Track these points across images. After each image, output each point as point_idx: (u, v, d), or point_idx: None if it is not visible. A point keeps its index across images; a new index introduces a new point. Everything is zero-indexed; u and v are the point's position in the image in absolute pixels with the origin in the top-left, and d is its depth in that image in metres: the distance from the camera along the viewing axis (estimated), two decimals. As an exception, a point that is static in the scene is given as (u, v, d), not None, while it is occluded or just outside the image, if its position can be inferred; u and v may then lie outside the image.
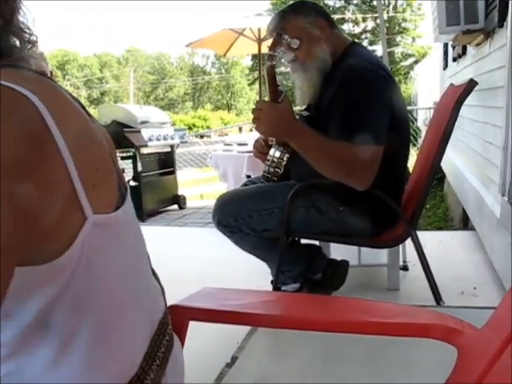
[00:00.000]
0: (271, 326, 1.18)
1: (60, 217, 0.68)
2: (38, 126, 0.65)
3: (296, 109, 2.41)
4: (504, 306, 0.93)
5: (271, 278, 2.58)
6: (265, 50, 2.46)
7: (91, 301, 0.74)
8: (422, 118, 14.64)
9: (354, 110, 2.06)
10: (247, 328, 1.94)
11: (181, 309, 1.06)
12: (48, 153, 0.66)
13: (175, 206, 7.19)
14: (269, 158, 2.41)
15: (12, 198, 0.60)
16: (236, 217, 2.29)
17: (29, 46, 0.80)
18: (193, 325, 1.09)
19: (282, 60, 2.11)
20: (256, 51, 6.72)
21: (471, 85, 2.09)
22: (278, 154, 2.38)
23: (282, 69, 2.14)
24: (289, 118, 2.07)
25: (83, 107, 0.81)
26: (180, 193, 7.32)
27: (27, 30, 0.80)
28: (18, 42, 0.78)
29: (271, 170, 2.41)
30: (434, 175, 2.23)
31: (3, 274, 0.60)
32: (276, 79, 2.07)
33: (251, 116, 2.11)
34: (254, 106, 2.11)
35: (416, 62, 30.47)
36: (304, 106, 2.33)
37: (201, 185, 10.47)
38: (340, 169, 2.07)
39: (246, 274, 3.22)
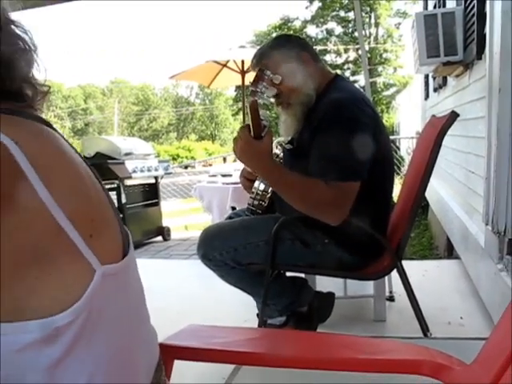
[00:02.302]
0: (257, 365, 1.16)
1: (64, 271, 0.67)
2: (8, 169, 0.64)
3: (280, 139, 2.41)
4: (492, 340, 0.92)
5: (256, 310, 2.56)
6: (248, 81, 2.47)
7: (99, 353, 0.73)
8: (405, 147, 14.84)
9: (332, 145, 2.06)
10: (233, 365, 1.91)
11: (166, 348, 1.04)
12: (28, 207, 0.65)
13: (160, 238, 7.16)
14: (253, 190, 2.41)
15: None
16: (221, 250, 2.27)
17: (40, 97, 0.80)
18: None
19: (265, 95, 2.12)
20: (240, 82, 6.78)
21: (453, 117, 2.11)
22: (262, 186, 2.38)
23: (266, 102, 2.14)
24: (263, 156, 2.07)
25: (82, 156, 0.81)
26: (164, 224, 7.31)
27: (40, 82, 0.80)
28: (29, 92, 0.79)
29: (256, 202, 2.41)
30: (418, 206, 2.23)
31: None
32: (259, 114, 2.06)
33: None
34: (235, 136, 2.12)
35: (397, 92, 30.95)
36: (288, 139, 2.33)
37: (185, 215, 10.45)
38: (310, 207, 2.08)
39: (232, 307, 3.19)
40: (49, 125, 0.78)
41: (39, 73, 0.82)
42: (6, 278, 0.63)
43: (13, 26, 0.77)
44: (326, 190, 2.00)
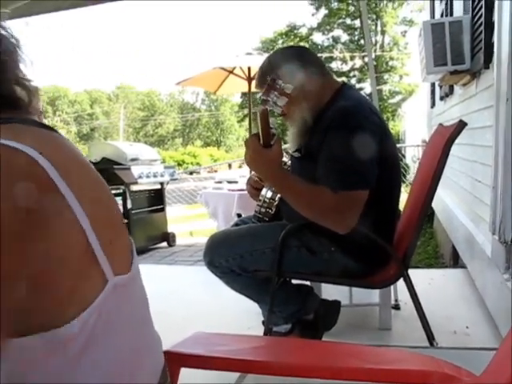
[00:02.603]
0: (263, 373, 1.16)
1: (78, 278, 0.67)
2: (46, 187, 0.65)
3: (288, 146, 2.41)
4: (502, 352, 0.91)
5: (261, 317, 2.55)
6: (254, 88, 2.46)
7: (106, 360, 0.73)
8: (411, 155, 14.80)
9: (339, 154, 2.06)
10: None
11: (173, 355, 1.04)
12: (59, 212, 0.65)
13: (165, 244, 7.15)
14: (260, 198, 2.41)
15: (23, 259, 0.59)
16: (227, 257, 2.27)
17: (31, 96, 0.81)
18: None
19: (277, 104, 2.12)
20: (246, 89, 6.79)
21: (461, 126, 2.10)
22: (269, 194, 2.38)
23: (277, 111, 2.14)
24: (271, 164, 2.08)
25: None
26: (169, 230, 7.31)
27: (29, 80, 0.80)
28: (23, 94, 0.79)
29: (263, 210, 2.41)
30: (425, 214, 2.22)
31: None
32: (269, 123, 2.07)
33: (241, 153, 2.14)
34: (243, 143, 2.14)
35: (403, 100, 30.92)
36: (296, 147, 2.33)
37: (190, 221, 10.45)
38: (318, 215, 2.09)
39: (236, 314, 3.18)
40: (55, 131, 0.79)
41: (25, 67, 0.82)
42: (38, 290, 0.64)
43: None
44: (334, 198, 2.01)
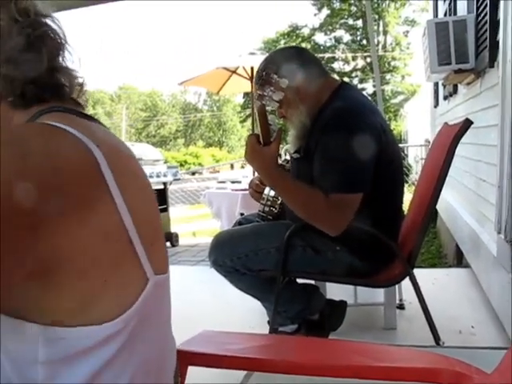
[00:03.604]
0: (271, 371, 1.15)
1: (122, 276, 0.68)
2: (94, 181, 0.65)
3: (288, 147, 2.41)
4: (513, 351, 0.91)
5: (266, 317, 2.54)
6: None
7: (141, 356, 0.74)
8: (413, 155, 14.78)
9: (333, 156, 2.08)
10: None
11: (181, 353, 1.03)
12: (102, 210, 0.66)
13: (168, 244, 7.14)
14: (264, 196, 2.41)
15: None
16: (232, 256, 2.27)
17: (78, 88, 0.81)
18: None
19: (272, 98, 2.12)
20: (249, 89, 6.78)
21: (467, 124, 2.10)
22: (272, 193, 2.38)
23: (273, 107, 2.14)
24: (266, 162, 2.12)
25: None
26: (172, 230, 7.29)
27: (74, 72, 0.81)
28: (66, 82, 0.80)
29: (266, 209, 2.41)
30: (431, 214, 2.22)
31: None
32: (267, 119, 2.09)
33: (243, 153, 2.15)
34: (245, 143, 2.16)
35: (405, 100, 30.89)
36: (295, 148, 2.33)
37: (193, 222, 10.45)
38: (309, 216, 2.12)
39: (239, 313, 3.18)
40: (104, 126, 0.79)
41: (72, 63, 0.83)
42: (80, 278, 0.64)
43: (41, 16, 0.78)
44: (325, 201, 2.03)
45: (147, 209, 0.77)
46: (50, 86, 0.78)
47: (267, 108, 2.18)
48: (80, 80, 0.84)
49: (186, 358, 1.07)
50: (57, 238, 0.61)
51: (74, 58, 0.83)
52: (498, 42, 2.88)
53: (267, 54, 2.42)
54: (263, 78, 2.10)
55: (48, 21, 0.79)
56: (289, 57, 2.26)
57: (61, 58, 0.80)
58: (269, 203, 2.42)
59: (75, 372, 0.67)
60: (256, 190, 2.53)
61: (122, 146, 0.77)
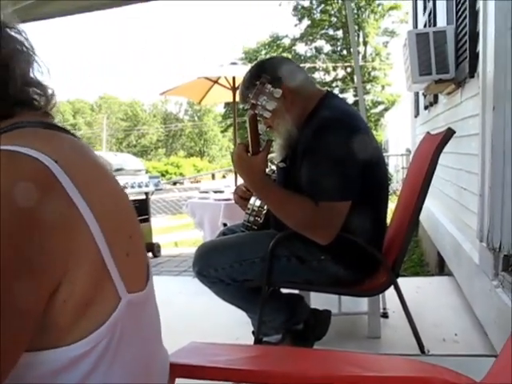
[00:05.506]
0: (260, 382, 1.14)
1: (90, 294, 0.65)
2: (55, 196, 0.63)
3: (274, 156, 2.41)
4: (502, 359, 0.91)
5: (251, 327, 2.53)
6: (238, 100, 2.45)
7: (116, 377, 0.71)
8: (394, 164, 14.91)
9: (321, 165, 2.09)
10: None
11: (170, 366, 1.02)
12: (67, 223, 0.64)
13: (150, 254, 7.09)
14: (249, 206, 2.40)
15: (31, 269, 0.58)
16: (216, 267, 2.26)
17: (47, 101, 0.79)
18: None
19: (266, 108, 2.11)
20: (231, 99, 6.78)
21: (449, 133, 2.12)
22: (258, 202, 2.37)
23: (266, 115, 2.13)
24: (254, 172, 2.13)
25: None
26: (154, 240, 7.25)
27: (43, 84, 0.79)
28: (37, 96, 0.78)
29: (251, 218, 2.40)
30: (415, 223, 2.23)
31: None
32: (258, 128, 2.09)
33: (224, 163, 2.15)
34: (226, 153, 2.15)
35: (386, 110, 31.19)
36: (282, 157, 2.33)
37: (175, 232, 10.41)
38: (298, 225, 2.13)
39: (223, 324, 3.16)
40: (74, 135, 0.77)
41: (42, 74, 0.81)
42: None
43: (7, 29, 0.76)
44: (315, 209, 2.04)
45: (119, 217, 0.74)
46: (20, 101, 0.76)
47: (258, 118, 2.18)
48: (49, 91, 0.82)
49: (173, 371, 1.06)
50: (20, 265, 0.59)
51: (43, 69, 0.81)
52: (477, 53, 2.91)
53: (254, 64, 2.43)
54: (257, 87, 2.10)
55: (14, 33, 0.77)
56: (280, 67, 2.26)
57: (31, 71, 0.79)
58: (254, 213, 2.41)
59: None
60: (241, 197, 2.52)
61: (88, 156, 0.75)
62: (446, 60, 3.74)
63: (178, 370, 1.06)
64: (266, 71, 2.19)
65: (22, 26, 0.79)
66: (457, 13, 3.64)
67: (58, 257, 0.62)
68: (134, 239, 0.75)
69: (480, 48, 2.80)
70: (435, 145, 2.13)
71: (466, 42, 3.27)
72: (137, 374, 0.75)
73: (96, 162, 0.75)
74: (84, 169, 0.71)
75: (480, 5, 2.81)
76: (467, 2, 3.22)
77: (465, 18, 3.31)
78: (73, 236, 0.64)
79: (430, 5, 5.31)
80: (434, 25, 4.95)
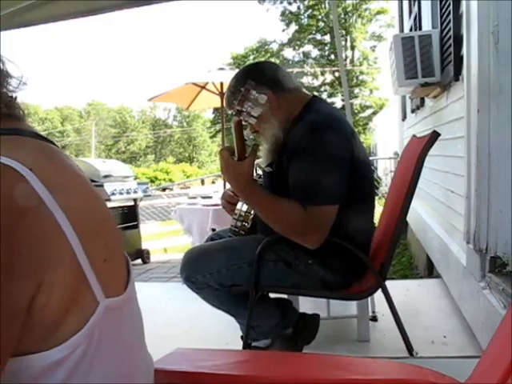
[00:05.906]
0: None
1: (68, 299, 0.65)
2: (30, 203, 0.63)
3: (261, 161, 2.41)
4: (485, 359, 0.91)
5: (239, 333, 2.53)
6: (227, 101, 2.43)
7: (97, 381, 0.70)
8: (383, 168, 14.96)
9: (308, 169, 2.08)
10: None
11: (156, 372, 1.02)
12: (43, 230, 0.63)
13: (139, 261, 7.07)
14: (236, 211, 2.40)
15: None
16: (204, 272, 2.25)
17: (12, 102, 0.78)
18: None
19: (251, 114, 2.11)
20: (219, 104, 6.79)
21: (434, 136, 2.13)
22: (245, 207, 2.37)
23: (251, 122, 2.13)
24: (241, 177, 2.12)
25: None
26: (143, 247, 7.23)
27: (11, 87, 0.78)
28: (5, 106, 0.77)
29: (238, 223, 2.40)
30: (401, 226, 2.23)
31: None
32: (243, 134, 2.09)
33: (213, 168, 2.14)
34: (215, 158, 2.15)
35: (374, 113, 31.32)
36: (268, 162, 2.33)
37: (164, 238, 10.39)
38: (287, 230, 2.13)
39: (212, 329, 3.16)
40: (51, 142, 0.77)
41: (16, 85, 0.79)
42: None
43: None
44: (303, 214, 2.04)
45: (98, 227, 0.74)
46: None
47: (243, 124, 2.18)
48: (13, 94, 0.80)
49: (159, 377, 1.05)
50: None
51: (15, 78, 0.80)
52: (462, 56, 2.94)
53: (240, 69, 2.42)
54: (242, 93, 2.10)
55: None
56: (266, 72, 2.27)
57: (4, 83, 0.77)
58: (241, 218, 2.41)
59: None
60: (229, 201, 2.52)
61: (64, 163, 0.74)
62: (431, 63, 3.77)
63: (162, 375, 1.05)
64: (251, 77, 2.18)
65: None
66: (441, 16, 3.66)
67: (34, 263, 0.62)
68: (110, 245, 0.75)
69: (464, 51, 2.82)
70: (420, 148, 2.14)
71: (450, 45, 3.30)
72: (118, 379, 0.74)
73: (71, 168, 0.75)
74: (59, 176, 0.70)
75: (463, 8, 2.84)
76: (451, 6, 3.25)
77: (449, 21, 3.34)
78: (49, 243, 0.64)
79: (415, 9, 5.35)
80: (420, 29, 4.98)
